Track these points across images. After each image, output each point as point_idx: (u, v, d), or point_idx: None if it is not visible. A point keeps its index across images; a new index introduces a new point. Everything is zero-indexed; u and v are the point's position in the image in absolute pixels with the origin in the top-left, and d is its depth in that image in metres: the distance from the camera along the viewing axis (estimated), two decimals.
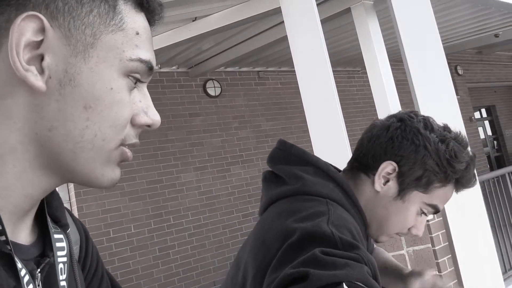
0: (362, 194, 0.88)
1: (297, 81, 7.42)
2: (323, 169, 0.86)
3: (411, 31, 1.89)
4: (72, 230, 0.54)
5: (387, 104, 3.61)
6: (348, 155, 1.83)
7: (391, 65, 3.69)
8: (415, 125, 0.86)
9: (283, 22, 3.97)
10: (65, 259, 0.49)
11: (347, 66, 7.82)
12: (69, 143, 0.43)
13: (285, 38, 4.30)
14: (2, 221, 0.40)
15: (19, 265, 0.41)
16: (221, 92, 6.62)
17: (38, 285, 0.44)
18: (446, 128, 0.88)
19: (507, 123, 13.24)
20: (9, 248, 0.40)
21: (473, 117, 10.46)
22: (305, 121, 7.93)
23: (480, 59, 10.61)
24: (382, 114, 3.63)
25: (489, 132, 12.86)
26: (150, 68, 0.47)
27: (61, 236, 0.50)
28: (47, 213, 0.50)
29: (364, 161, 0.89)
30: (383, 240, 0.92)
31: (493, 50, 10.49)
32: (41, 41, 0.41)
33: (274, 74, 7.30)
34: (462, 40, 6.61)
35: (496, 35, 6.95)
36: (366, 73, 8.23)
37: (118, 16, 0.44)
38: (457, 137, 0.87)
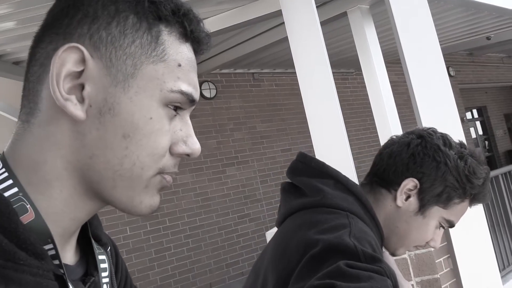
0: (383, 208, 0.90)
1: (291, 83, 7.45)
2: (343, 183, 0.87)
3: (410, 34, 1.92)
4: (110, 255, 0.55)
5: (382, 105, 3.64)
6: (348, 154, 1.85)
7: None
8: (435, 142, 0.88)
9: (279, 25, 4.00)
10: (107, 279, 0.51)
11: (341, 68, 7.86)
12: (109, 171, 0.43)
13: (280, 41, 4.33)
14: (56, 246, 0.42)
15: (71, 287, 0.43)
16: (216, 94, 6.63)
17: None
18: (462, 145, 0.91)
19: (498, 124, 13.39)
20: (63, 271, 0.42)
21: (465, 118, 10.57)
22: (300, 123, 7.96)
23: (471, 60, 10.73)
24: (377, 115, 3.67)
25: (481, 133, 12.99)
26: (192, 100, 0.47)
27: (103, 257, 0.52)
28: (90, 232, 0.51)
29: (384, 176, 0.91)
30: (400, 253, 0.94)
31: (484, 51, 10.62)
32: (82, 71, 0.42)
33: (269, 75, 7.33)
34: (455, 43, 6.69)
35: (488, 38, 7.04)
36: (360, 74, 8.29)
37: (160, 47, 0.45)
38: (473, 154, 0.89)
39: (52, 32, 0.44)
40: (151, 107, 0.44)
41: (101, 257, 0.51)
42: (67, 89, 0.42)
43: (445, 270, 2.13)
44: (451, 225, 0.91)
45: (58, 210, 0.44)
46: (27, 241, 0.38)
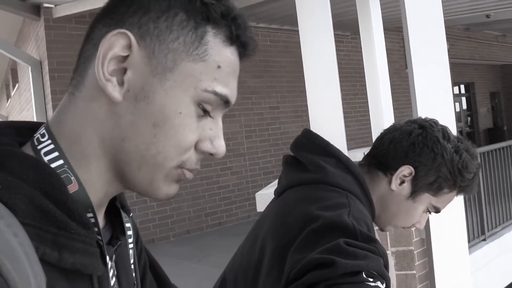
0: (377, 189, 0.95)
1: (286, 40, 7.35)
2: (344, 162, 0.92)
3: (416, 2, 1.92)
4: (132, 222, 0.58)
5: (376, 71, 3.66)
6: (340, 116, 1.89)
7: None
8: (435, 134, 0.93)
9: None
10: (132, 245, 0.55)
11: (337, 30, 7.76)
12: (137, 155, 0.46)
13: None
14: (96, 215, 0.46)
15: (106, 253, 0.47)
16: None
17: (112, 267, 0.49)
18: (459, 139, 0.95)
19: (482, 101, 13.58)
20: (101, 238, 0.46)
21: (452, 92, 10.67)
22: (290, 81, 7.93)
23: (467, 36, 10.70)
24: (370, 81, 3.69)
25: (465, 108, 13.18)
26: (226, 102, 0.48)
27: (129, 224, 0.55)
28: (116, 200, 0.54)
29: (383, 160, 0.95)
30: (388, 230, 1.01)
31: (481, 28, 10.59)
32: (127, 56, 0.45)
33: (264, 31, 7.20)
34: (454, 17, 6.65)
35: (488, 16, 7.00)
36: (355, 38, 8.24)
37: (203, 47, 0.46)
38: (468, 149, 0.94)
39: (109, 17, 0.46)
40: (183, 103, 0.46)
41: (127, 224, 0.54)
42: (111, 71, 0.45)
43: (416, 239, 2.24)
44: (437, 211, 0.98)
45: (95, 184, 0.47)
46: (75, 212, 0.42)
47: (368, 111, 3.55)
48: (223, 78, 0.47)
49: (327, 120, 1.84)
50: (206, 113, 0.48)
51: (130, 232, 0.55)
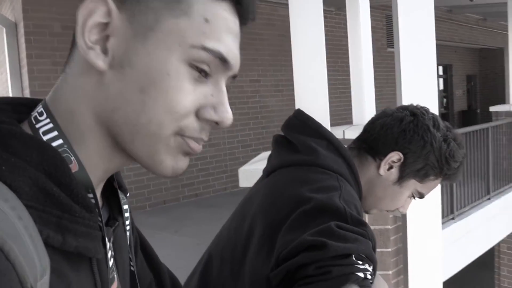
0: (365, 173, 0.96)
1: (270, 13, 7.22)
2: (335, 145, 0.92)
3: None
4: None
5: (360, 48, 3.66)
6: (326, 92, 1.89)
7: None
8: (426, 122, 0.94)
9: None
10: (129, 226, 0.54)
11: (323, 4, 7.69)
12: (128, 126, 0.43)
13: None
14: (96, 196, 0.44)
15: (106, 234, 0.46)
16: None
17: (110, 248, 0.48)
18: (448, 127, 0.97)
19: (459, 83, 13.83)
20: (101, 219, 0.45)
21: None
22: (272, 55, 7.85)
23: (449, 17, 10.77)
24: (353, 58, 3.68)
25: (441, 89, 13.41)
26: (222, 60, 0.44)
27: (126, 206, 0.54)
28: (114, 181, 0.53)
29: (373, 145, 0.96)
30: (373, 213, 1.04)
31: (464, 11, 10.66)
32: (108, 23, 0.42)
33: None
34: None
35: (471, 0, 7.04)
36: (339, 14, 8.18)
37: (185, 2, 0.43)
38: (456, 138, 0.96)
39: None
40: (169, 63, 0.42)
41: (125, 206, 0.53)
42: (94, 40, 0.42)
43: (391, 216, 2.30)
44: (422, 196, 0.99)
45: (94, 162, 0.45)
46: (79, 195, 0.40)
47: (348, 88, 3.57)
48: (213, 32, 0.43)
49: (312, 95, 1.83)
50: (203, 75, 0.44)
51: (127, 214, 0.53)
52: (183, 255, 4.21)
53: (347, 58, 3.64)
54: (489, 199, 4.86)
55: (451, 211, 4.21)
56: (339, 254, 0.69)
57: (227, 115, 0.46)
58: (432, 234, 2.19)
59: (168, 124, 0.43)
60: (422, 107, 0.98)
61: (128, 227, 0.54)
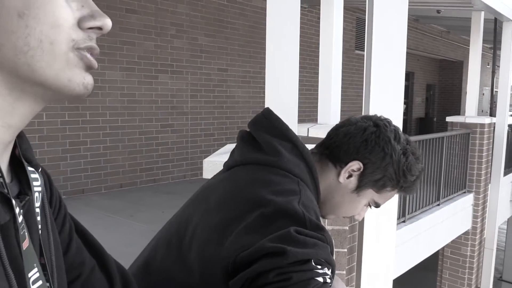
0: (325, 179, 0.98)
1: (243, 3, 7.14)
2: (299, 149, 0.93)
3: None
4: (41, 177, 0.55)
5: (331, 47, 3.69)
6: (296, 87, 1.90)
7: None
8: (387, 134, 0.96)
9: None
10: (39, 202, 0.51)
11: None
12: (20, 56, 0.41)
13: None
14: None
15: (14, 202, 0.44)
16: None
17: (19, 214, 0.46)
18: (408, 141, 0.99)
19: (419, 91, 14.32)
20: (6, 189, 0.43)
21: None
22: (242, 45, 7.80)
23: (415, 26, 11.10)
24: (323, 57, 3.72)
25: None
26: None
27: (36, 175, 0.52)
28: (20, 155, 0.51)
29: (335, 152, 0.98)
30: (330, 218, 1.05)
31: (430, 21, 11.01)
32: None
33: None
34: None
35: (438, 11, 7.27)
36: (311, 12, 8.21)
37: None
38: (414, 152, 0.98)
39: None
40: None
41: (34, 176, 0.51)
42: None
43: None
44: (377, 206, 1.01)
45: None
46: None
47: (313, 87, 3.60)
48: None
49: (282, 91, 1.83)
50: None
51: (37, 184, 0.51)
52: (136, 241, 4.13)
53: (316, 56, 3.66)
54: (438, 205, 5.07)
55: (402, 214, 4.37)
56: (299, 259, 0.70)
57: (106, 19, 0.46)
58: (387, 234, 2.26)
59: (59, 39, 0.43)
60: (385, 119, 1.00)
61: (37, 203, 0.51)
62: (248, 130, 0.98)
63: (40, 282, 0.47)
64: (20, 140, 0.51)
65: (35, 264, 0.47)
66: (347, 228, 1.99)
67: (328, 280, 0.71)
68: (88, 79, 0.46)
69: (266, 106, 1.80)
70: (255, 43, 7.41)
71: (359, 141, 0.95)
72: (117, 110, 5.89)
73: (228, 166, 0.97)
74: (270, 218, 0.76)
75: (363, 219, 2.13)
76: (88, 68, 0.46)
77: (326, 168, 0.98)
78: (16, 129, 0.46)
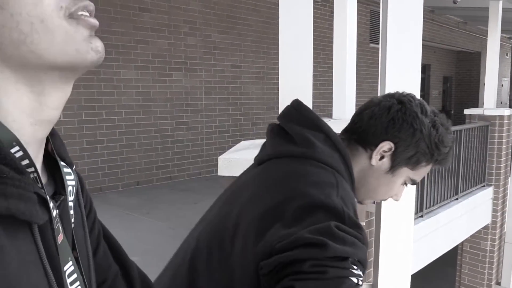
0: (357, 164, 0.95)
1: None
2: (332, 139, 0.90)
3: None
4: (75, 175, 0.55)
5: (345, 41, 3.65)
6: (310, 83, 1.89)
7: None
8: (414, 109, 0.93)
9: None
10: (71, 202, 0.51)
11: None
12: (21, 47, 0.40)
13: None
14: (25, 149, 0.41)
15: (51, 204, 0.44)
16: None
17: (56, 217, 0.46)
18: (435, 113, 0.95)
19: (435, 84, 14.10)
20: (43, 189, 0.43)
21: None
22: (255, 41, 7.79)
23: (431, 18, 10.92)
24: (337, 51, 3.69)
25: None
26: None
27: (71, 176, 0.51)
28: (54, 153, 0.50)
29: (363, 136, 0.95)
30: (366, 203, 1.02)
31: (446, 12, 10.82)
32: None
33: None
34: None
35: (455, 1, 7.14)
36: (325, 6, 8.14)
37: None
38: (443, 123, 0.95)
39: None
40: None
41: (68, 176, 0.50)
42: None
43: (366, 211, 2.33)
44: (414, 183, 0.99)
45: (16, 117, 0.42)
46: (7, 157, 0.39)
47: (328, 81, 3.57)
48: None
49: (296, 86, 1.82)
50: None
51: (71, 183, 0.51)
52: (153, 238, 4.17)
53: (330, 50, 3.63)
54: (457, 199, 5.00)
55: (420, 209, 4.32)
56: (337, 255, 0.68)
57: None
58: (404, 230, 2.23)
59: (47, 13, 0.40)
60: (408, 94, 0.97)
61: (71, 203, 0.51)
62: (277, 123, 0.97)
63: (75, 275, 0.47)
64: (53, 138, 0.50)
65: (69, 258, 0.48)
66: (363, 223, 1.97)
67: (360, 283, 0.69)
68: (96, 42, 0.43)
69: (280, 99, 1.76)
70: (268, 39, 7.39)
71: (385, 121, 0.92)
72: (132, 108, 5.95)
73: (259, 160, 0.96)
74: (308, 211, 0.75)
75: (379, 214, 2.11)
76: (91, 29, 0.43)
77: (357, 153, 0.96)
78: (49, 122, 0.45)
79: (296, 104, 0.96)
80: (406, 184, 0.99)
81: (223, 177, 1.92)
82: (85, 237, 0.53)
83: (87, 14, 0.43)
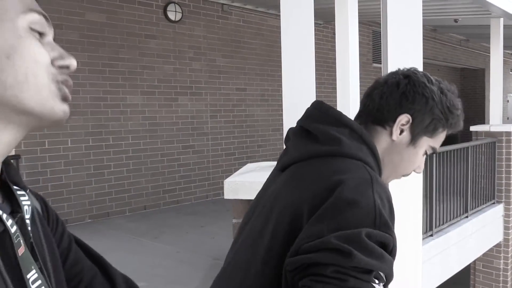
0: (379, 144, 0.96)
1: (259, 22, 7.26)
2: (358, 132, 0.91)
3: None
4: (31, 196, 0.62)
5: (347, 62, 3.68)
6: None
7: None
8: (421, 79, 0.96)
9: None
10: (29, 215, 0.58)
11: None
12: (10, 90, 0.48)
13: None
14: None
15: (4, 215, 0.51)
16: (181, 18, 6.35)
17: (13, 227, 0.52)
18: (439, 81, 0.99)
19: None
20: None
21: None
22: (259, 64, 7.88)
23: (433, 36, 11.01)
24: (341, 72, 3.72)
25: None
26: (45, 17, 0.53)
27: (25, 197, 0.58)
28: (7, 179, 0.57)
29: (379, 115, 0.97)
30: (389, 181, 1.03)
31: (448, 31, 10.91)
32: None
33: (238, 10, 7.10)
34: (424, 17, 6.80)
35: (456, 20, 7.21)
36: (327, 27, 8.25)
37: None
38: (449, 88, 0.99)
39: None
40: (17, 29, 0.50)
41: (22, 197, 0.57)
42: None
43: None
44: (434, 151, 1.02)
45: None
46: None
47: (332, 102, 3.58)
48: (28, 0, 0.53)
49: (300, 108, 1.84)
50: (40, 36, 0.53)
51: (26, 203, 0.58)
52: (161, 263, 4.15)
53: (333, 72, 3.66)
54: (467, 217, 4.93)
55: (429, 228, 4.26)
56: (361, 267, 0.69)
57: (72, 59, 0.54)
58: (412, 250, 2.21)
59: (41, 72, 0.50)
60: (410, 68, 1.00)
61: (27, 215, 0.57)
62: (298, 125, 0.97)
63: (39, 282, 0.53)
64: (7, 167, 0.57)
65: (32, 266, 0.53)
66: None
67: None
68: (66, 108, 0.54)
69: (284, 121, 1.77)
70: (272, 61, 7.47)
71: (397, 97, 0.95)
72: (139, 133, 6.00)
73: (283, 165, 0.96)
74: (339, 208, 0.75)
75: None
76: (65, 100, 0.53)
77: (377, 134, 0.98)
78: (2, 156, 0.52)
79: (317, 104, 0.98)
80: (427, 153, 1.02)
81: (230, 200, 1.92)
82: (41, 243, 0.59)
83: (67, 88, 0.54)
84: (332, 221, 0.74)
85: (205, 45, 6.72)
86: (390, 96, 0.96)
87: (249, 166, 2.41)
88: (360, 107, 1.02)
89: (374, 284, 0.69)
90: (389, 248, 0.75)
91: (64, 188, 5.26)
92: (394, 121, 0.95)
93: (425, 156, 1.02)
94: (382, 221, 0.75)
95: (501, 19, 5.90)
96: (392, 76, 0.99)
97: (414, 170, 1.03)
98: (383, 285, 0.72)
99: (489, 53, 6.11)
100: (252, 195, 1.86)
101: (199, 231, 5.09)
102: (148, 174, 6.13)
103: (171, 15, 6.22)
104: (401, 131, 0.96)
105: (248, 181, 1.82)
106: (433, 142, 0.99)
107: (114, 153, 5.76)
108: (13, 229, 0.51)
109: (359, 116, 1.02)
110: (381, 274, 0.71)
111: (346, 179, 0.79)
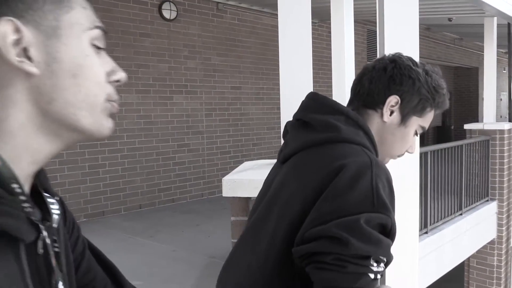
0: (372, 126, 1.01)
1: (254, 21, 7.26)
2: (353, 119, 0.96)
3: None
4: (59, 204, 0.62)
5: (343, 61, 3.70)
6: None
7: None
8: (406, 63, 1.01)
9: None
10: (57, 224, 0.58)
11: None
12: (69, 108, 0.51)
13: None
14: (21, 185, 0.49)
15: (40, 225, 0.52)
16: (176, 16, 6.33)
17: (46, 237, 0.53)
18: (423, 63, 1.05)
19: None
20: (28, 203, 0.50)
21: None
22: (254, 63, 7.88)
23: (427, 35, 11.05)
24: (336, 70, 3.73)
25: None
26: (104, 31, 0.56)
27: (55, 205, 0.59)
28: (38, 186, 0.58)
29: (369, 99, 1.02)
30: (386, 162, 1.08)
31: (442, 29, 10.96)
32: (21, 37, 0.49)
33: (233, 8, 7.09)
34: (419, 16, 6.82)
35: (450, 19, 7.25)
36: (322, 26, 8.26)
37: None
38: (433, 69, 1.04)
39: None
40: (83, 46, 0.52)
41: (52, 205, 0.58)
42: (17, 54, 0.48)
43: None
44: (424, 129, 1.07)
45: (21, 155, 0.51)
46: (7, 188, 0.47)
47: (332, 98, 3.59)
48: (91, 14, 0.55)
49: (297, 104, 1.84)
50: (99, 49, 0.54)
51: (56, 212, 0.58)
52: (157, 261, 4.14)
53: (329, 69, 3.67)
54: (461, 214, 4.97)
55: (424, 225, 4.29)
56: (359, 254, 0.74)
57: (123, 73, 0.56)
58: (409, 247, 2.22)
59: (100, 92, 0.53)
60: (395, 53, 1.05)
61: (55, 225, 0.58)
62: (295, 118, 1.01)
63: None
64: (39, 173, 0.57)
65: (60, 278, 0.54)
66: None
67: (379, 276, 0.76)
68: (111, 123, 0.56)
69: (281, 118, 1.79)
70: (266, 60, 7.48)
71: (385, 80, 1.00)
72: (134, 132, 5.98)
73: (284, 157, 0.99)
74: (341, 192, 0.79)
75: None
76: (111, 115, 0.56)
77: (369, 117, 1.02)
78: (40, 164, 0.54)
79: (313, 96, 1.02)
80: (417, 133, 1.07)
81: (227, 198, 1.92)
82: (67, 257, 0.60)
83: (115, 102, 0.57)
84: (334, 204, 0.79)
85: (200, 44, 6.70)
86: (378, 80, 1.00)
87: (247, 164, 2.41)
88: (351, 94, 1.06)
89: (372, 268, 0.75)
90: (388, 228, 0.79)
91: (59, 187, 5.23)
92: (384, 103, 1.00)
93: (416, 136, 1.07)
94: (380, 202, 0.79)
95: (495, 18, 5.94)
96: (379, 62, 1.04)
97: (407, 151, 1.07)
98: (384, 265, 0.78)
99: (483, 52, 6.15)
100: (250, 193, 1.86)
101: (195, 229, 5.09)
102: (143, 173, 6.11)
103: (166, 14, 6.20)
104: (391, 112, 1.01)
105: (246, 179, 1.82)
106: (422, 121, 1.04)
107: (109, 152, 5.74)
108: (48, 240, 0.52)
109: (351, 102, 1.06)
110: (380, 257, 0.76)
111: (348, 163, 0.83)
